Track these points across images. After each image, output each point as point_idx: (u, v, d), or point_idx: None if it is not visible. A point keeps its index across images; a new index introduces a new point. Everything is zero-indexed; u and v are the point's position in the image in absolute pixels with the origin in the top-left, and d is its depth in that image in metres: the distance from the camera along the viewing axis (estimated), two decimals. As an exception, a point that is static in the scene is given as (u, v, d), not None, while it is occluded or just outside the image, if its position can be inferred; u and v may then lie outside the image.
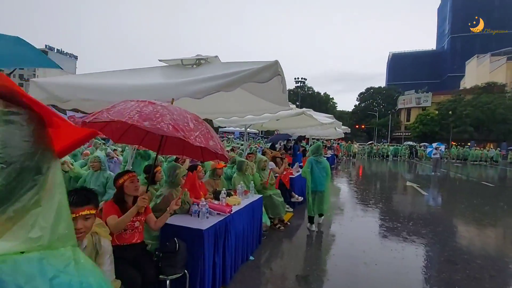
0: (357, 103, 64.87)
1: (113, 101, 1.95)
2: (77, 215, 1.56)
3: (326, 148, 16.90)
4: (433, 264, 3.90)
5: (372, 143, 35.43)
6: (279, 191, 5.30)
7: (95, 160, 4.06)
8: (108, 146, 8.04)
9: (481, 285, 3.31)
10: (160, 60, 3.61)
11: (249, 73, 2.27)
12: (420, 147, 30.41)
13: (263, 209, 4.66)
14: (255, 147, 12.92)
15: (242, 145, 8.78)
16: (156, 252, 2.49)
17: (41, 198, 0.54)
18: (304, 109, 6.43)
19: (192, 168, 3.87)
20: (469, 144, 33.98)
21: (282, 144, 10.15)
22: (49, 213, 0.56)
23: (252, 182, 4.49)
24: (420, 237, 4.89)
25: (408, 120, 53.58)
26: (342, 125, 12.89)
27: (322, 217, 5.45)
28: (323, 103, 60.35)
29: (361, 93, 64.18)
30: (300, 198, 6.34)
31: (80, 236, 1.59)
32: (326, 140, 19.84)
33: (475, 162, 26.44)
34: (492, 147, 34.53)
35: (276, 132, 11.07)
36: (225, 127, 8.69)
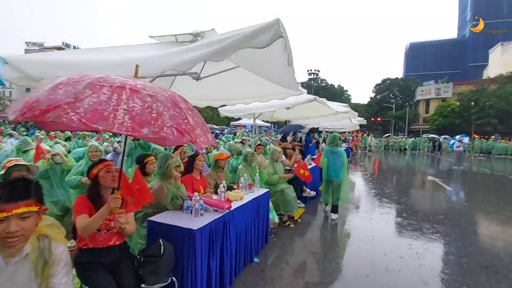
0: (372, 95, 62.61)
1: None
2: (9, 213, 1.17)
3: (341, 141, 16.18)
4: (469, 272, 3.30)
5: (389, 135, 34.07)
6: (291, 186, 4.86)
7: (97, 150, 3.75)
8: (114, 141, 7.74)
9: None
10: (151, 37, 3.18)
11: (243, 36, 1.79)
12: (442, 140, 28.87)
13: (271, 204, 4.23)
14: (266, 139, 12.39)
15: (252, 137, 8.33)
16: (137, 257, 2.09)
17: None
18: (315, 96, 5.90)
19: (192, 157, 3.47)
20: (493, 137, 32.04)
21: (291, 135, 9.67)
22: None
23: (258, 175, 4.04)
24: (449, 239, 4.33)
25: (427, 112, 51.30)
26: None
27: (336, 214, 4.98)
28: (337, 96, 58.59)
29: (377, 85, 61.83)
30: (313, 193, 5.88)
31: (16, 242, 1.20)
32: (340, 133, 19.09)
33: (500, 156, 24.88)
34: (517, 140, 32.49)
35: (287, 123, 10.56)
36: (233, 117, 8.23)
